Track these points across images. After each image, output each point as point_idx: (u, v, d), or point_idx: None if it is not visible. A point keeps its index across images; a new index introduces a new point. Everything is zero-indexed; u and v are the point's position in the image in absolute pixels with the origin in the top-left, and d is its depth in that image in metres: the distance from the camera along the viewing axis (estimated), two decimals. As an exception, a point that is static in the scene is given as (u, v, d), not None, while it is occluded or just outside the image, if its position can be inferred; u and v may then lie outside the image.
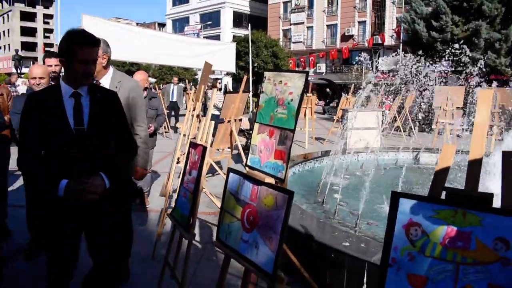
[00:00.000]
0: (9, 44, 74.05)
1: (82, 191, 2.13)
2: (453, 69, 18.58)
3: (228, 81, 15.12)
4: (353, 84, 14.64)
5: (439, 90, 11.03)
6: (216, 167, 6.23)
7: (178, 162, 4.54)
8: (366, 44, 37.75)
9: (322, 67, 41.59)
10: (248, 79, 19.60)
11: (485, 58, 18.60)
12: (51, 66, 4.00)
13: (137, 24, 57.50)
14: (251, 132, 2.82)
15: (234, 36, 42.28)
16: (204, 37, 37.22)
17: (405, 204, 1.63)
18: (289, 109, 2.36)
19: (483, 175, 5.30)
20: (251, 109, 16.52)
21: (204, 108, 12.38)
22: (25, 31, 76.02)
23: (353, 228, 4.19)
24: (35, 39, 77.26)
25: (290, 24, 45.37)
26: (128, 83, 3.30)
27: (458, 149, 5.82)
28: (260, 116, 2.58)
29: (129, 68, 39.10)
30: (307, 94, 12.03)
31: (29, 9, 77.25)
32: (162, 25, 67.93)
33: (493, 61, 19.09)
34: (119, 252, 3.29)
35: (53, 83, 3.74)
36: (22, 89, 12.53)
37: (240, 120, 7.45)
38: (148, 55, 13.61)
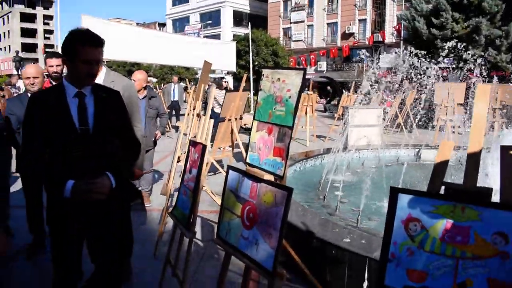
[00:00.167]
0: (9, 46, 74.18)
1: (89, 191, 2.12)
2: (454, 66, 18.56)
3: (228, 80, 15.16)
4: (353, 82, 14.62)
5: (440, 87, 11.02)
6: (218, 166, 6.24)
7: (178, 161, 4.54)
8: (367, 42, 37.76)
9: (323, 65, 41.58)
10: (248, 78, 19.60)
11: (486, 54, 18.56)
12: (52, 66, 4.00)
13: (137, 24, 57.56)
14: None
15: (234, 35, 42.31)
16: (204, 37, 37.21)
17: (404, 200, 1.63)
18: (287, 106, 2.37)
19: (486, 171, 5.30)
20: (252, 108, 16.52)
21: (205, 107, 12.37)
22: (25, 33, 76.14)
23: (354, 224, 4.19)
24: (35, 40, 77.40)
25: (290, 23, 45.35)
26: (122, 83, 3.28)
27: (460, 146, 5.82)
28: (259, 114, 2.59)
29: (130, 69, 39.13)
30: (308, 92, 12.03)
31: (29, 10, 77.33)
32: (162, 25, 67.95)
33: (493, 58, 19.05)
34: (123, 252, 3.31)
35: (54, 83, 3.74)
36: (23, 90, 12.53)
37: (241, 118, 7.46)
38: (149, 55, 13.62)
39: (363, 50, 33.44)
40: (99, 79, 3.15)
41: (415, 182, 5.72)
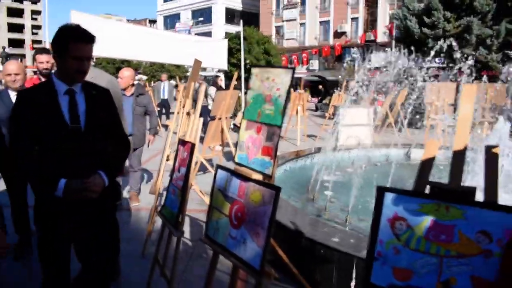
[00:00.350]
0: (-5, 41, 73.25)
1: (82, 190, 2.10)
2: (445, 65, 18.70)
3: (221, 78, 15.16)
4: (344, 81, 14.67)
5: (430, 86, 11.09)
6: (207, 165, 6.22)
7: (168, 160, 4.52)
8: (359, 41, 37.88)
9: (315, 64, 41.67)
10: (239, 76, 19.55)
11: (477, 54, 18.73)
12: (42, 63, 3.95)
13: (128, 20, 57.28)
14: None
15: (226, 33, 42.19)
16: (195, 34, 37.06)
17: (390, 199, 1.64)
18: (276, 105, 2.37)
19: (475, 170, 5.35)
20: (242, 107, 16.50)
21: (195, 106, 12.33)
22: (13, 28, 75.16)
23: (343, 224, 4.21)
24: (22, 36, 76.41)
25: (283, 21, 45.38)
26: (104, 79, 3.22)
27: (450, 145, 5.85)
28: (248, 113, 2.59)
29: (119, 66, 38.81)
30: (299, 91, 12.05)
31: (17, 5, 76.30)
32: (153, 22, 67.56)
33: (484, 57, 19.24)
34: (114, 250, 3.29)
35: (43, 79, 3.70)
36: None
37: (232, 117, 7.45)
38: (139, 52, 13.49)
39: (355, 49, 33.61)
40: None
41: (404, 181, 5.76)
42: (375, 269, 1.63)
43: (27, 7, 77.78)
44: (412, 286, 1.55)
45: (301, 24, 44.00)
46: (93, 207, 2.21)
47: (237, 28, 34.37)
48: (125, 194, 6.03)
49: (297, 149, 9.68)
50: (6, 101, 3.69)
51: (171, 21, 55.97)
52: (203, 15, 51.63)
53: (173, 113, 9.51)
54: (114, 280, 3.39)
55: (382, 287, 1.60)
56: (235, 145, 2.79)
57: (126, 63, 41.63)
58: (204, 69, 30.33)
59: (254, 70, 2.63)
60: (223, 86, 14.07)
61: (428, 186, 1.63)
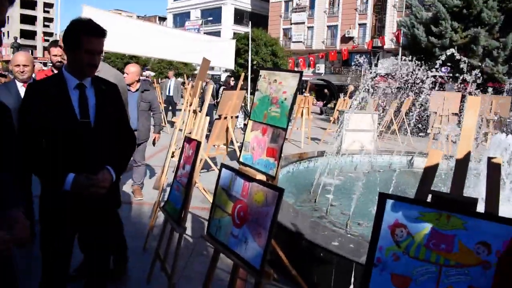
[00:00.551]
0: (8, 32, 73.52)
1: (91, 185, 2.09)
2: (451, 75, 18.65)
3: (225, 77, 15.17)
4: (350, 86, 14.67)
5: (435, 95, 11.09)
6: (211, 163, 6.25)
7: (173, 156, 4.56)
8: (366, 47, 37.84)
9: (321, 68, 41.65)
10: (246, 77, 19.56)
11: (483, 65, 18.67)
12: (56, 55, 3.97)
13: (138, 17, 57.43)
14: None
15: (234, 33, 42.24)
16: (204, 33, 37.11)
17: (392, 205, 1.66)
18: (282, 108, 2.39)
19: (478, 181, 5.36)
20: (249, 107, 16.52)
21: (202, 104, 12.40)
22: (25, 19, 75.56)
23: (344, 228, 4.23)
24: (34, 28, 76.82)
25: (291, 24, 45.38)
26: (109, 73, 3.21)
27: (453, 155, 5.86)
28: (254, 114, 2.61)
29: (128, 61, 38.92)
30: (305, 94, 12.07)
31: (30, -2, 76.81)
32: (163, 19, 67.78)
33: (490, 69, 19.17)
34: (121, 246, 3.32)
35: (56, 72, 3.73)
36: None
37: (237, 117, 7.48)
38: (148, 49, 13.55)
39: (361, 55, 33.60)
40: None
41: (405, 188, 5.77)
42: (374, 275, 1.65)
43: (40, -1, 78.28)
44: (410, 293, 1.57)
45: (309, 27, 43.99)
46: (99, 202, 2.21)
47: (246, 29, 34.45)
48: (127, 188, 6.07)
49: (301, 151, 9.70)
50: (13, 92, 3.72)
51: (180, 19, 56.12)
52: (212, 15, 51.70)
53: (179, 110, 9.54)
54: (119, 279, 3.41)
55: (381, 293, 1.62)
56: (240, 145, 2.82)
57: (135, 59, 41.80)
58: (212, 68, 30.41)
59: (262, 72, 2.66)
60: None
61: (430, 195, 1.65)
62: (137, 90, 5.43)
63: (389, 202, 1.66)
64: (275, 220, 2.02)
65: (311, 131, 12.98)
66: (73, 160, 2.13)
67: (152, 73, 32.49)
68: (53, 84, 2.19)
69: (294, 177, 6.78)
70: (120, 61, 36.56)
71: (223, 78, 28.67)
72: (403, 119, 13.41)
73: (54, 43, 4.09)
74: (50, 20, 77.49)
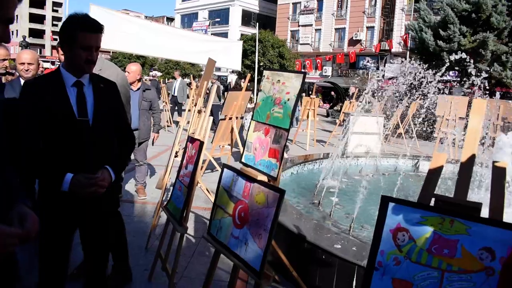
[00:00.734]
0: (17, 30, 74.19)
1: (90, 185, 2.04)
2: (458, 79, 18.53)
3: (233, 78, 15.08)
4: (356, 89, 14.62)
5: (442, 99, 11.02)
6: (215, 164, 6.25)
7: (176, 156, 4.55)
8: (374, 50, 37.71)
9: (328, 70, 41.58)
10: (252, 78, 19.57)
11: (491, 70, 18.54)
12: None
13: (146, 17, 57.62)
14: None
15: (242, 34, 42.30)
16: (211, 34, 37.23)
17: (394, 209, 1.64)
18: (285, 108, 2.37)
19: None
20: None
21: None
22: (34, 18, 76.23)
23: (347, 231, 4.19)
24: (43, 27, 77.44)
25: (299, 26, 45.35)
26: (110, 71, 3.19)
27: (459, 159, 5.80)
28: (257, 114, 2.59)
29: (135, 61, 39.10)
30: (311, 96, 12.04)
31: (39, -3, 77.46)
32: (170, 20, 68.05)
33: (499, 74, 19.03)
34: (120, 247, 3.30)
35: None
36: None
37: (242, 118, 7.46)
38: (155, 49, 13.59)
39: (368, 58, 33.48)
40: None
41: (410, 192, 5.73)
42: (374, 279, 1.63)
43: (49, -2, 78.90)
44: (411, 298, 1.54)
45: (316, 30, 43.93)
46: (98, 202, 2.17)
47: (253, 31, 34.50)
48: (131, 188, 6.08)
49: (306, 153, 9.68)
50: (18, 90, 3.73)
51: (188, 20, 56.36)
52: (220, 16, 51.86)
53: (185, 110, 9.56)
54: (126, 284, 3.38)
55: (381, 298, 1.59)
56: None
57: (142, 58, 42.05)
58: (219, 69, 30.47)
59: (266, 73, 2.64)
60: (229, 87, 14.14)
61: (433, 199, 1.62)
62: (138, 89, 5.45)
63: (391, 206, 1.64)
64: (276, 221, 2.00)
65: (317, 133, 12.94)
66: (71, 159, 2.08)
67: (159, 73, 32.60)
68: (50, 81, 2.13)
69: (298, 178, 6.75)
70: (127, 60, 36.72)
71: (229, 79, 28.74)
72: (410, 122, 13.34)
73: None
74: (59, 19, 78.00)
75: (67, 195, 2.06)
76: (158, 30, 14.06)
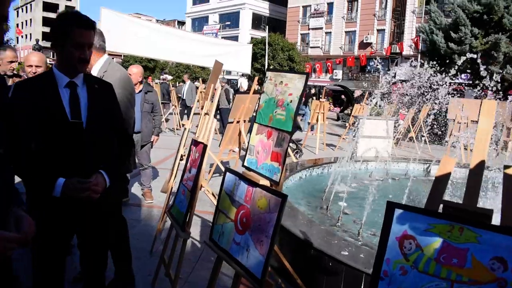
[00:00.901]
0: (30, 34, 75.42)
1: (82, 190, 1.96)
2: (470, 82, 18.27)
3: (242, 81, 15.04)
4: (367, 92, 14.49)
5: (454, 102, 10.84)
6: (222, 168, 6.19)
7: (182, 159, 4.50)
8: (384, 53, 37.47)
9: (339, 74, 41.42)
10: (261, 81, 19.48)
11: (504, 72, 18.25)
12: None
13: (157, 21, 58.12)
14: None
15: (252, 38, 42.38)
16: (222, 37, 37.34)
17: (401, 215, 1.56)
18: (287, 110, 2.30)
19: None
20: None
21: (217, 108, 12.43)
22: (47, 22, 77.39)
23: (355, 237, 4.11)
24: (56, 30, 78.76)
25: (309, 29, 45.28)
26: (112, 73, 3.13)
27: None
28: (260, 117, 2.53)
29: (146, 64, 39.47)
30: (321, 100, 11.95)
31: (52, 0, 78.55)
32: (181, 23, 68.50)
33: (511, 76, 18.73)
34: (119, 251, 3.25)
35: None
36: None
37: (249, 121, 7.41)
38: (165, 52, 13.65)
39: (378, 58, 33.24)
40: (98, 65, 2.99)
41: (420, 198, 5.61)
42: (380, 289, 1.55)
43: (62, 2, 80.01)
44: (418, 310, 1.46)
45: (326, 33, 43.81)
46: (91, 208, 2.09)
47: (263, 34, 34.52)
48: (137, 191, 6.05)
49: (316, 157, 9.58)
50: None
51: (199, 23, 56.62)
52: (230, 19, 52.02)
53: (196, 114, 9.53)
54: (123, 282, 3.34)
55: (387, 309, 1.52)
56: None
57: (153, 62, 42.31)
58: (229, 73, 30.53)
59: (269, 74, 2.57)
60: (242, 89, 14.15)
61: (441, 205, 1.54)
62: (140, 91, 5.43)
63: (398, 212, 1.56)
64: (278, 227, 1.94)
65: (327, 137, 12.83)
66: (65, 163, 2.00)
67: (170, 77, 32.76)
68: (42, 82, 2.04)
69: (307, 183, 6.67)
70: (139, 63, 37.03)
71: (239, 83, 28.81)
72: (421, 126, 13.16)
73: None
74: (72, 23, 79.18)
75: (59, 200, 1.97)
76: (168, 34, 14.13)
